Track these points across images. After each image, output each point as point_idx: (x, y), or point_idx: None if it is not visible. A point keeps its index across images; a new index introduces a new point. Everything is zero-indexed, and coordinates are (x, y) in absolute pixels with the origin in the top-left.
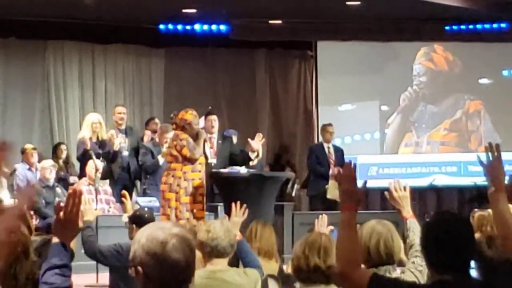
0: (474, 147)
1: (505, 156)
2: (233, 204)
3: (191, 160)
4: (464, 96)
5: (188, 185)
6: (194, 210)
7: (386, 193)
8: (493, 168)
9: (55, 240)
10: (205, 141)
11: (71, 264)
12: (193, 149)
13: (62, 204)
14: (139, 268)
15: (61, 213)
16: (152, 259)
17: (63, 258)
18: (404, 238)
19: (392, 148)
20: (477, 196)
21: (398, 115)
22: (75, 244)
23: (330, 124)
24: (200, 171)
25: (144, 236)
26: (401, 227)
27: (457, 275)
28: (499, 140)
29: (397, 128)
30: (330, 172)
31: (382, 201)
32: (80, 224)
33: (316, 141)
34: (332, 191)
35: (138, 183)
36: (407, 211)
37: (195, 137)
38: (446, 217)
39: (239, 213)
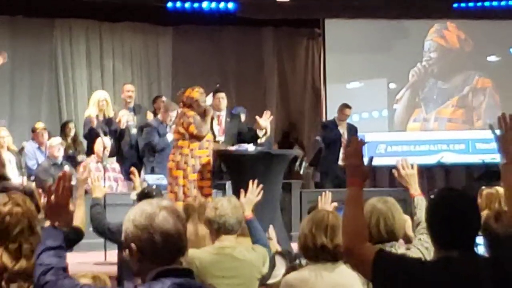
0: (476, 124)
1: None
2: (250, 182)
3: (198, 137)
4: (473, 73)
5: (195, 162)
6: (202, 187)
7: (393, 171)
8: (506, 140)
9: (48, 223)
10: (212, 118)
11: (65, 245)
12: (199, 126)
13: (53, 188)
14: (132, 245)
15: (52, 197)
16: (143, 232)
17: (57, 240)
18: (412, 215)
19: (401, 124)
20: (485, 174)
21: (407, 91)
22: (84, 223)
23: (349, 107)
24: (207, 148)
25: (133, 212)
26: (410, 204)
27: (462, 251)
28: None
29: (406, 104)
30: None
31: (390, 179)
32: (71, 208)
33: (324, 119)
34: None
35: (146, 160)
36: (415, 189)
37: (202, 114)
38: (450, 193)
39: (255, 191)
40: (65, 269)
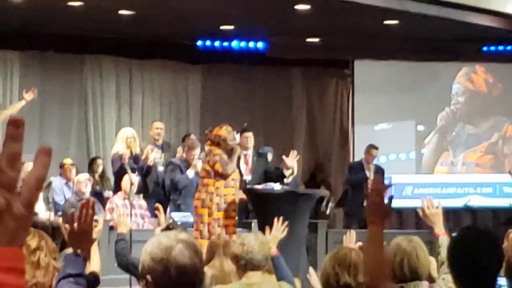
0: (507, 170)
1: None
2: (275, 219)
3: (223, 176)
4: (503, 119)
5: (220, 200)
6: (227, 226)
7: (418, 210)
8: None
9: (69, 250)
10: (239, 157)
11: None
12: (225, 165)
13: (76, 215)
14: (148, 276)
15: (75, 224)
16: (159, 265)
17: (77, 268)
18: (437, 256)
19: (428, 168)
20: None
21: (435, 134)
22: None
23: (375, 148)
24: (233, 187)
25: (151, 244)
26: (435, 246)
27: None
28: None
29: (434, 147)
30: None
31: (416, 221)
32: (94, 235)
33: (352, 160)
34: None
35: (171, 198)
36: (439, 228)
37: (230, 153)
38: (472, 232)
39: (280, 228)
40: None
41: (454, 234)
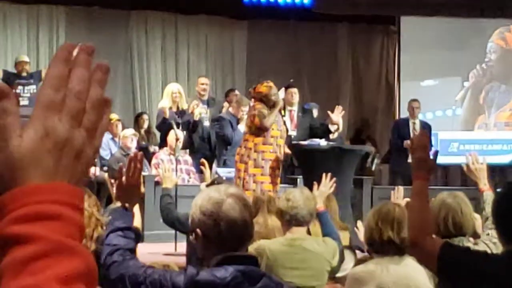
0: None
1: None
2: (323, 174)
3: (262, 130)
4: None
5: (257, 157)
6: (262, 182)
7: (463, 165)
8: None
9: (118, 204)
10: (280, 111)
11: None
12: (262, 117)
13: (124, 170)
14: (198, 230)
15: (123, 178)
16: (209, 219)
17: (126, 221)
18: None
19: (466, 126)
20: None
21: (468, 92)
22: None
23: (415, 100)
24: (271, 144)
25: (200, 198)
26: (481, 202)
27: None
28: None
29: (467, 106)
30: (404, 144)
31: (462, 177)
32: (142, 189)
33: (397, 116)
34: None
35: (218, 153)
36: (484, 183)
37: (272, 107)
38: None
39: (327, 184)
40: (132, 250)
41: (499, 189)
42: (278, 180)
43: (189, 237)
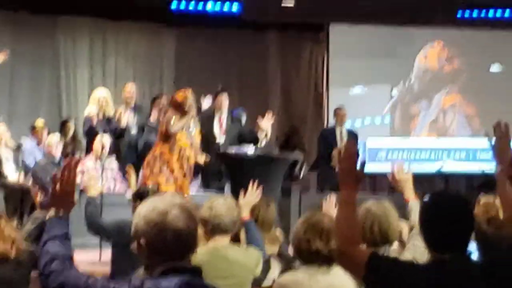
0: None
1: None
2: (250, 183)
3: (168, 136)
4: (442, 92)
5: (162, 165)
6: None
7: (388, 175)
8: (500, 146)
9: (52, 213)
10: (190, 118)
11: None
12: (168, 124)
13: (58, 176)
14: (142, 240)
15: (57, 185)
16: (154, 229)
17: (62, 228)
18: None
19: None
20: (484, 183)
21: (396, 107)
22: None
23: (341, 107)
24: (177, 154)
25: (145, 207)
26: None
27: (455, 254)
28: (470, 132)
29: (397, 120)
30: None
31: (390, 185)
32: (76, 196)
33: (326, 124)
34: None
35: None
36: (409, 193)
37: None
38: (443, 196)
39: (254, 193)
40: (71, 257)
41: (426, 199)
42: (185, 190)
43: (114, 245)
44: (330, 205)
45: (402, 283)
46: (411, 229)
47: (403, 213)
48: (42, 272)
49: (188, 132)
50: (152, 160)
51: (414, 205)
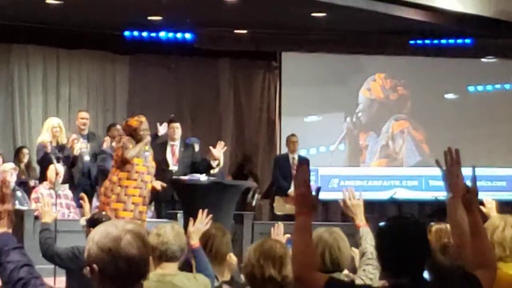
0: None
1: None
2: (200, 211)
3: (124, 162)
4: (391, 119)
5: (121, 191)
6: (123, 218)
7: (340, 201)
8: (451, 173)
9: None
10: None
11: None
12: (125, 149)
13: None
14: (94, 266)
15: None
16: (107, 255)
17: (15, 242)
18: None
19: (350, 163)
20: (437, 211)
21: (347, 138)
22: None
23: (293, 135)
24: (135, 180)
25: (98, 233)
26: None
27: (412, 279)
28: (419, 158)
29: (349, 152)
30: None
31: (343, 213)
32: (8, 206)
33: (278, 152)
34: (279, 207)
35: (98, 188)
36: (360, 219)
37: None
38: (400, 221)
39: (204, 221)
40: (33, 266)
41: (381, 223)
42: (143, 216)
43: (68, 272)
44: (279, 233)
45: None
46: (362, 255)
47: (355, 241)
48: (8, 281)
49: (144, 158)
50: (109, 187)
51: (365, 232)
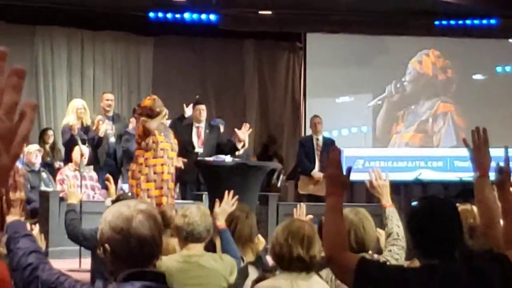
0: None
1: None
2: (226, 192)
3: (147, 136)
4: (436, 99)
5: (149, 171)
6: (156, 196)
7: (366, 181)
8: (478, 153)
9: (11, 218)
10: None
11: None
12: (145, 122)
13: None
14: (107, 245)
15: (10, 193)
16: (119, 235)
17: (26, 229)
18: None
19: (382, 142)
20: (462, 192)
21: (382, 108)
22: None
23: (316, 116)
24: (162, 157)
25: (111, 213)
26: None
27: (444, 260)
28: (454, 143)
29: (383, 122)
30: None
31: (367, 194)
32: (21, 195)
33: (303, 133)
34: (303, 186)
35: (123, 169)
36: (386, 200)
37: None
38: (432, 201)
39: (229, 202)
40: (42, 253)
41: (413, 203)
42: (173, 193)
43: (94, 253)
44: (301, 214)
45: (393, 287)
46: (388, 235)
47: (380, 222)
48: (16, 267)
49: (165, 135)
50: (136, 169)
51: (391, 212)
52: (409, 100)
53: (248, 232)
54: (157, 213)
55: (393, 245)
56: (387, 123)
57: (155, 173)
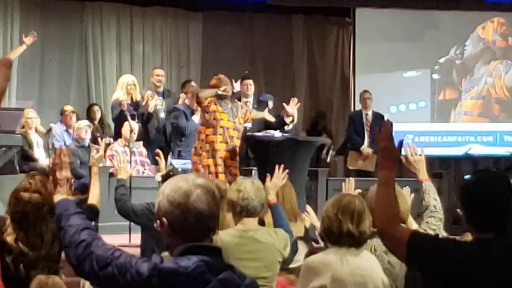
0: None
1: None
2: (276, 166)
3: (198, 101)
4: (500, 66)
5: (209, 147)
6: (217, 173)
7: (402, 157)
8: None
9: (59, 197)
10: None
11: None
12: (199, 91)
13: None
14: (164, 219)
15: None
16: (177, 209)
17: (76, 207)
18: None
19: (441, 116)
20: None
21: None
22: (100, 201)
23: (366, 91)
24: (221, 134)
25: (168, 187)
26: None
27: (497, 234)
28: None
29: (444, 98)
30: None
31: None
32: (67, 174)
33: (352, 108)
34: (352, 162)
35: (173, 145)
36: (423, 174)
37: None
38: (486, 175)
39: (280, 176)
40: (93, 229)
41: (467, 177)
42: (235, 170)
43: (143, 229)
44: (350, 188)
45: (446, 260)
46: (425, 209)
47: (419, 196)
48: (69, 243)
49: (229, 113)
50: (199, 145)
51: (428, 186)
52: (467, 66)
53: (292, 206)
54: (215, 187)
55: (430, 217)
56: (437, 107)
57: (213, 149)
